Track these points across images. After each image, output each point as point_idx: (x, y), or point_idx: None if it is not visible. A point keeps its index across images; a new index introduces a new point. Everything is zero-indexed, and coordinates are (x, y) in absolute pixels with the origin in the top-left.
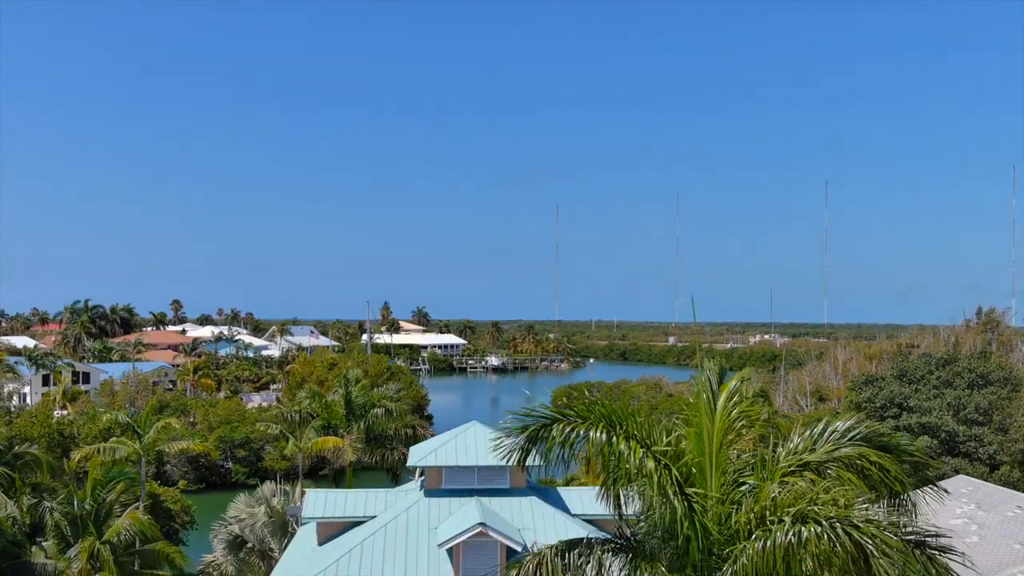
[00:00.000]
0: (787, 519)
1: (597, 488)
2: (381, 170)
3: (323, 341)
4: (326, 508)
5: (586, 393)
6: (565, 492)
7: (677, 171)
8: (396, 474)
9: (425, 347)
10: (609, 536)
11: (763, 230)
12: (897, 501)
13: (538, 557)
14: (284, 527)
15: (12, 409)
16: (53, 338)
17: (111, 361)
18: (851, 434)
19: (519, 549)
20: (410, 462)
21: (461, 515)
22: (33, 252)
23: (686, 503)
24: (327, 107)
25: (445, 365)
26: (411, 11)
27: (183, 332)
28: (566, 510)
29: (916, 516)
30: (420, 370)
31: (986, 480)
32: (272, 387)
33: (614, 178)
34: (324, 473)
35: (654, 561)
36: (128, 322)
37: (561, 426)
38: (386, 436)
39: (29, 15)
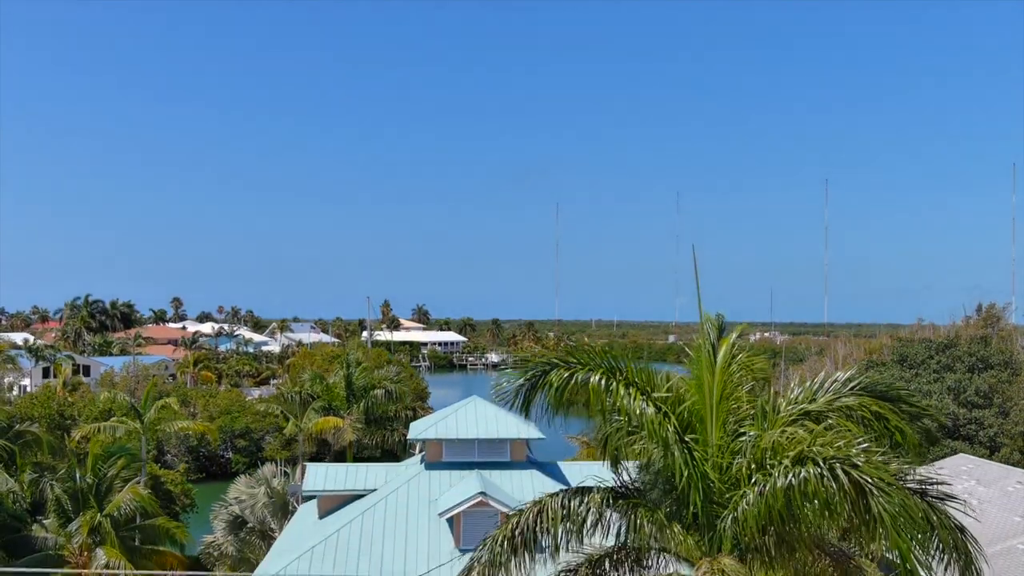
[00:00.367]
0: (786, 461)
1: (598, 464)
2: (381, 169)
3: (323, 338)
4: (326, 482)
5: (586, 339)
6: (566, 467)
7: (677, 170)
8: (396, 456)
9: (425, 344)
10: (610, 485)
11: (763, 229)
12: (898, 452)
13: (539, 504)
14: (284, 507)
15: (11, 401)
16: (53, 335)
17: (111, 355)
18: (852, 384)
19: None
20: (410, 436)
21: (461, 486)
22: (33, 250)
23: (686, 451)
24: (327, 106)
25: (445, 362)
26: (411, 11)
27: (183, 329)
28: (566, 484)
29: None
30: (420, 367)
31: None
32: (272, 382)
33: (614, 177)
34: (325, 460)
35: (654, 509)
36: (128, 317)
37: (560, 372)
38: (386, 418)
39: (30, 13)
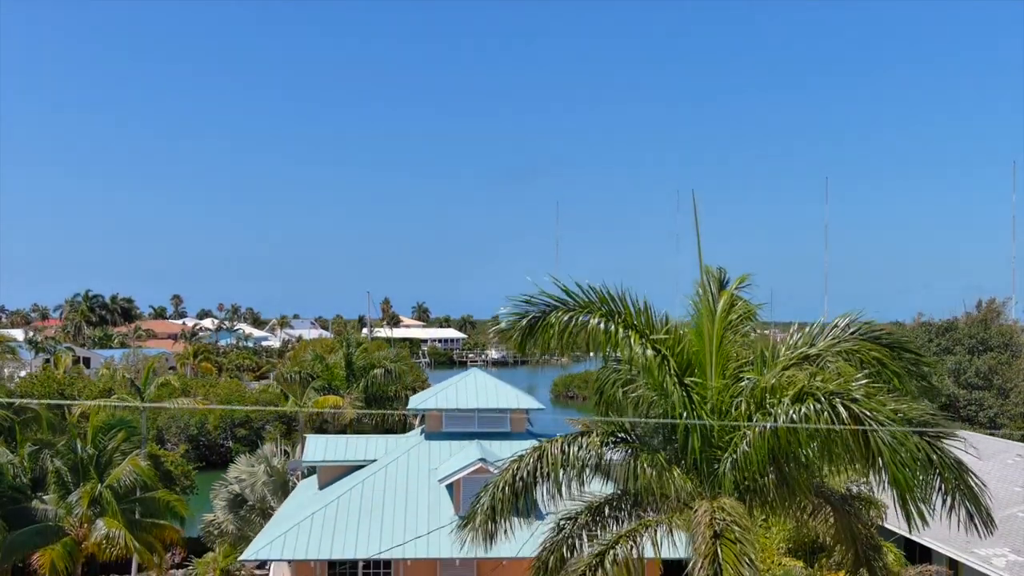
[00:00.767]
0: (787, 399)
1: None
2: (382, 168)
3: (324, 334)
4: (326, 453)
5: (584, 286)
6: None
7: (677, 168)
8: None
9: (425, 341)
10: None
11: (763, 228)
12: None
13: (539, 450)
14: (284, 486)
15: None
16: (53, 332)
17: (111, 348)
18: (852, 329)
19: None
20: (410, 406)
21: (461, 454)
22: (33, 248)
23: (685, 393)
24: (327, 105)
25: (445, 359)
26: (411, 11)
27: (184, 324)
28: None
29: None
30: (420, 363)
31: None
32: (272, 376)
33: (614, 175)
34: None
35: (654, 453)
36: (128, 312)
37: (559, 314)
38: (386, 397)
39: (30, 11)
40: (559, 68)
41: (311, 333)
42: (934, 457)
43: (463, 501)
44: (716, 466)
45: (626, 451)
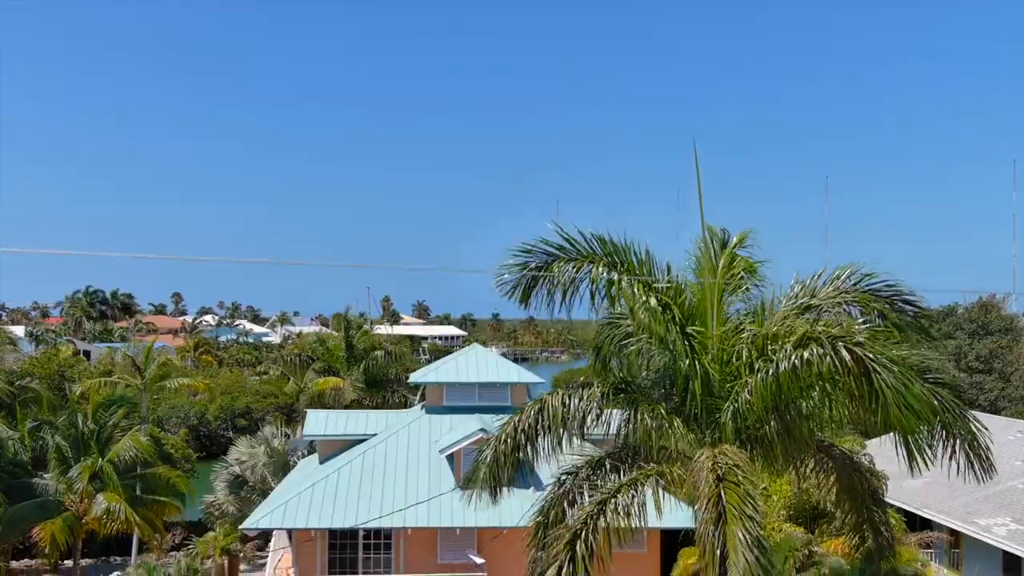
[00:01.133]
0: (789, 345)
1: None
2: (381, 166)
3: (324, 331)
4: (327, 427)
5: (587, 235)
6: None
7: (677, 165)
8: None
9: (425, 338)
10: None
11: (763, 226)
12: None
13: (539, 403)
14: (285, 467)
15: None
16: (54, 327)
17: (112, 342)
18: (852, 281)
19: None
20: (411, 379)
21: (462, 427)
22: (33, 246)
23: (687, 343)
24: (328, 103)
25: (445, 355)
26: (412, 10)
27: (184, 319)
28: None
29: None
30: (422, 360)
31: None
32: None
33: (614, 173)
34: None
35: (655, 404)
36: (129, 308)
37: (562, 264)
38: (387, 379)
39: (31, 9)
40: (558, 66)
41: (311, 329)
42: (935, 402)
43: (463, 471)
44: (717, 416)
45: (627, 401)
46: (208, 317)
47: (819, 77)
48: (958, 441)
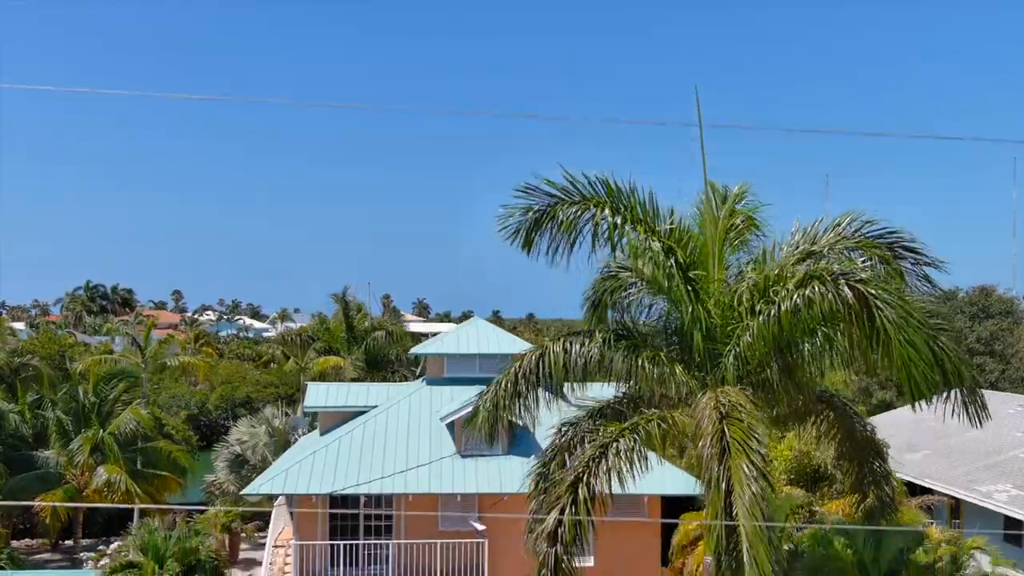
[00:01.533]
0: (791, 284)
1: (598, 384)
2: (382, 164)
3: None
4: (327, 399)
5: (591, 178)
6: (566, 386)
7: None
8: None
9: (425, 335)
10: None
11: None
12: None
13: (540, 349)
14: (286, 446)
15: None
16: (55, 323)
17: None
18: (853, 228)
19: (521, 423)
20: (412, 351)
21: (463, 396)
22: (34, 246)
23: (689, 287)
24: (324, 99)
25: None
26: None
27: (184, 315)
28: (567, 401)
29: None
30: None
31: None
32: (272, 366)
33: (615, 169)
34: None
35: (656, 350)
36: (129, 302)
37: (565, 206)
38: (387, 360)
39: (31, 9)
40: (557, 62)
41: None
42: (936, 348)
43: (464, 440)
44: (719, 361)
45: (628, 347)
46: (209, 313)
47: (819, 77)
48: (954, 383)
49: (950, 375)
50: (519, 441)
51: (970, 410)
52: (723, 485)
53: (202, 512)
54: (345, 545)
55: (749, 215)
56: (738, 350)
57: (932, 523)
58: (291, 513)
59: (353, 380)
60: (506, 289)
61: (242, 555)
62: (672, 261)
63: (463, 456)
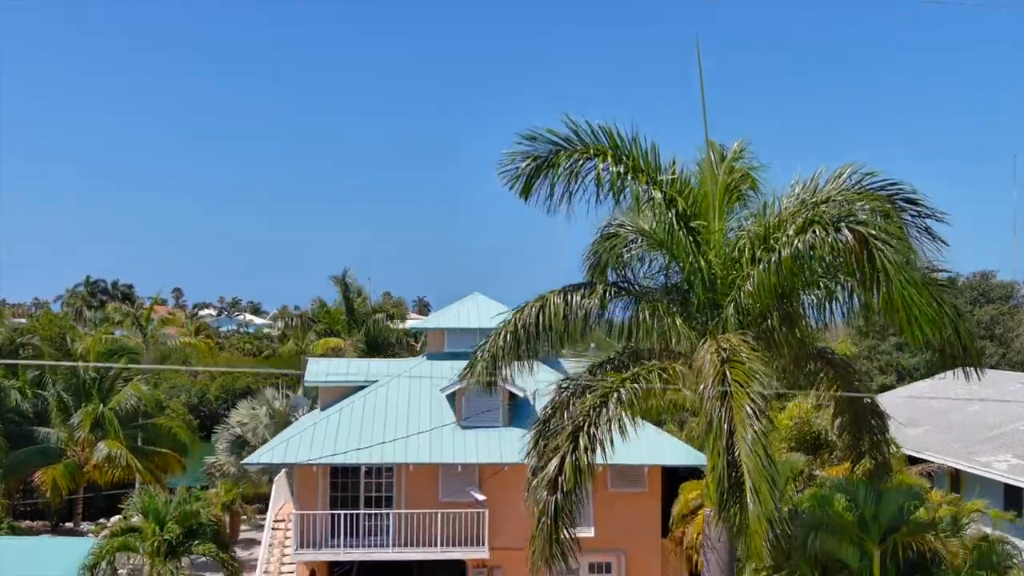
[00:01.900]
0: (792, 230)
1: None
2: (380, 161)
3: None
4: (328, 373)
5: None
6: (566, 362)
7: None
8: None
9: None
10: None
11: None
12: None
13: (541, 300)
14: (286, 427)
15: None
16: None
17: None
18: (853, 179)
19: (521, 395)
20: (413, 325)
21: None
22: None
23: (690, 238)
24: (324, 99)
25: None
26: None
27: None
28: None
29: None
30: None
31: None
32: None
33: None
34: None
35: (656, 302)
36: (129, 297)
37: (567, 154)
38: (388, 343)
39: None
40: (553, 59)
41: None
42: (934, 303)
43: (464, 411)
44: (719, 312)
45: (629, 299)
46: (209, 310)
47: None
48: (951, 338)
49: (944, 334)
50: (519, 412)
51: (964, 364)
52: (725, 426)
53: (203, 491)
54: (345, 515)
55: (747, 172)
56: (739, 300)
57: (932, 488)
58: (291, 485)
59: None
60: (506, 290)
61: (242, 535)
62: (673, 212)
63: (463, 427)
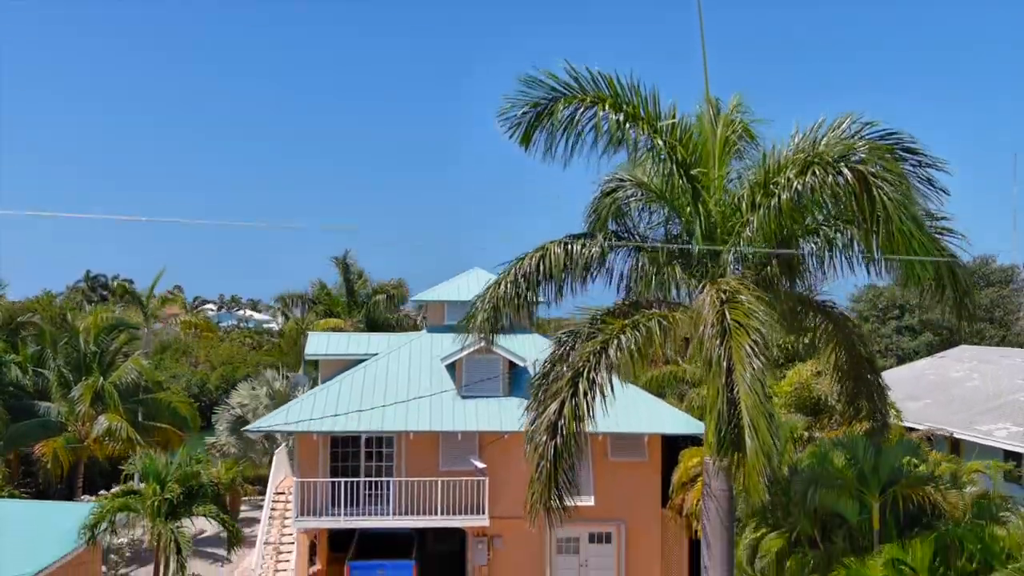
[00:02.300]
0: (792, 173)
1: None
2: (382, 160)
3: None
4: (328, 347)
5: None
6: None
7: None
8: None
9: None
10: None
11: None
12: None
13: (541, 250)
14: None
15: None
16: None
17: None
18: (853, 129)
19: (521, 364)
20: (413, 298)
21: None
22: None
23: (690, 186)
24: (327, 100)
25: None
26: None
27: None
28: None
29: None
30: None
31: None
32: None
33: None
34: None
35: (656, 250)
36: (130, 292)
37: (567, 101)
38: (388, 324)
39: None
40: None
41: None
42: (934, 250)
43: (465, 380)
44: (719, 259)
45: (629, 249)
46: (209, 305)
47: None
48: (947, 283)
49: (941, 275)
50: (519, 382)
51: (961, 309)
52: (724, 364)
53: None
54: (346, 483)
55: (746, 125)
56: (738, 247)
57: (932, 449)
58: (291, 459)
59: None
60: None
61: (243, 515)
62: (673, 161)
63: (463, 397)
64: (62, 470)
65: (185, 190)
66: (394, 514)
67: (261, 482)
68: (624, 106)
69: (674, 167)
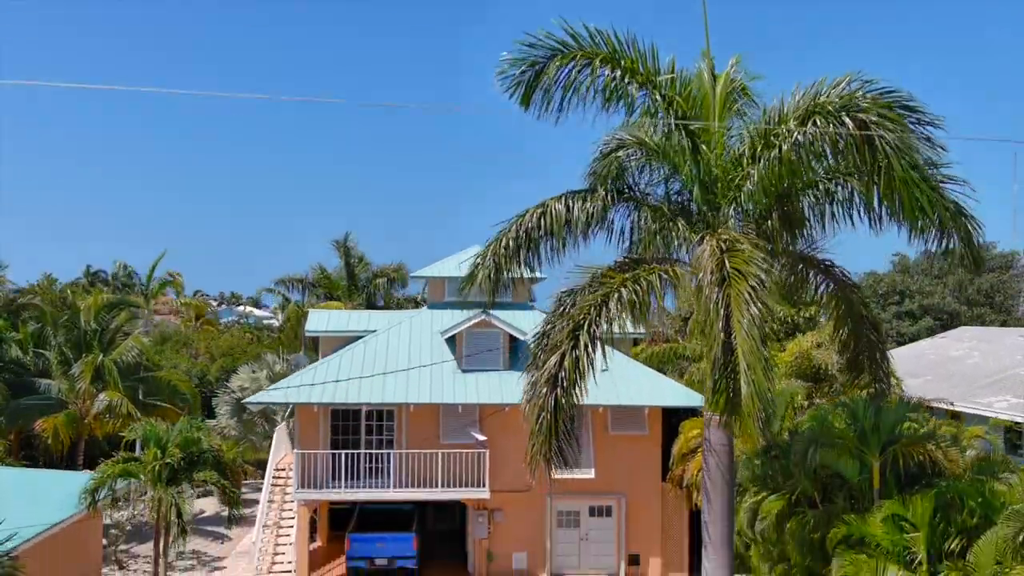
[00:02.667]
0: (792, 123)
1: None
2: (380, 158)
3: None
4: (329, 323)
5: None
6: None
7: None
8: None
9: None
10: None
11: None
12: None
13: (542, 207)
14: None
15: None
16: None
17: None
18: (853, 88)
19: (521, 337)
20: (413, 274)
21: (464, 315)
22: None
23: (689, 140)
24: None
25: None
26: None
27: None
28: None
29: None
30: None
31: None
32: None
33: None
34: None
35: (657, 206)
36: (129, 286)
37: (565, 59)
38: (389, 308)
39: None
40: None
41: None
42: (934, 197)
43: (465, 354)
44: (719, 213)
45: (631, 205)
46: (210, 301)
47: None
48: (953, 234)
49: (945, 223)
50: (519, 356)
51: (965, 260)
52: (722, 310)
53: None
54: (347, 455)
55: (744, 85)
56: (739, 200)
57: (933, 417)
58: (291, 435)
59: None
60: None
61: (243, 496)
62: (672, 115)
63: (464, 371)
64: (63, 447)
65: (185, 190)
66: (394, 487)
67: (261, 466)
68: (622, 61)
69: (673, 121)
